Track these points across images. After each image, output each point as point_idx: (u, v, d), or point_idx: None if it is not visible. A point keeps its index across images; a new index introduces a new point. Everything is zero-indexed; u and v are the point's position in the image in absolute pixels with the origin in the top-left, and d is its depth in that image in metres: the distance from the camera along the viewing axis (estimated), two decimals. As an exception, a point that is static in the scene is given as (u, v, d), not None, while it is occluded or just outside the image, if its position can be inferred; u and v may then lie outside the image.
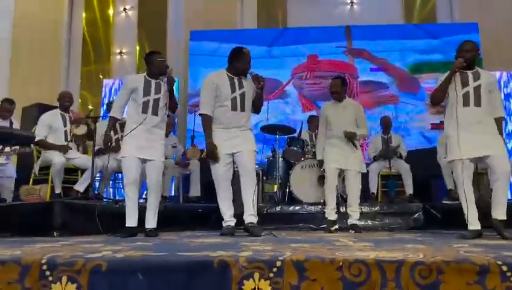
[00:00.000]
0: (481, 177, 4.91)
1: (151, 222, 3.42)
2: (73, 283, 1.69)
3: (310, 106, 7.57)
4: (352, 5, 8.61)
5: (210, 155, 3.42)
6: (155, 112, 3.42)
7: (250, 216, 3.37)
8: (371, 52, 7.68)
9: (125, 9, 8.82)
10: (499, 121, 3.22)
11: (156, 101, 3.43)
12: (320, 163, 4.35)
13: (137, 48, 8.65)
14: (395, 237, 3.40)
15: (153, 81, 3.47)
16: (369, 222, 4.85)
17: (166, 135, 5.46)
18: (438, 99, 3.32)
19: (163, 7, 8.67)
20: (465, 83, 3.20)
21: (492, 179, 3.12)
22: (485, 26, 7.70)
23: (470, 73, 3.23)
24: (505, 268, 1.61)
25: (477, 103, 3.14)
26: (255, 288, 1.66)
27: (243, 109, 3.48)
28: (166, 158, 5.13)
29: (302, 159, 5.33)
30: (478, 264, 1.63)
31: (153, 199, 3.44)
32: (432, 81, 7.10)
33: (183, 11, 8.44)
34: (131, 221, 3.35)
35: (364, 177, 5.71)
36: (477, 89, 3.16)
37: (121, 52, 8.70)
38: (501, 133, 3.20)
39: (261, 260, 1.71)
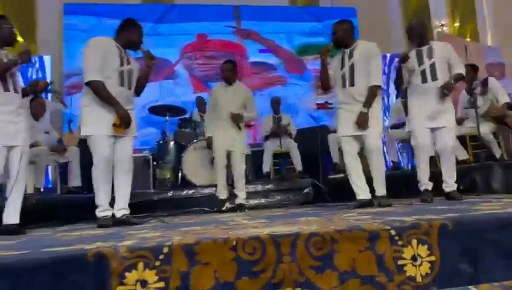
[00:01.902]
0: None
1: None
2: None
3: (201, 86, 7.34)
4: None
5: (125, 119, 2.89)
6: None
7: (122, 210, 3.00)
8: (260, 33, 7.71)
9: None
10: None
11: None
12: (209, 140, 4.34)
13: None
14: (288, 212, 3.43)
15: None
16: (262, 200, 4.88)
17: (37, 119, 4.83)
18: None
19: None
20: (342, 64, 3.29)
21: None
22: (361, 11, 8.25)
23: (347, 53, 3.26)
24: (393, 232, 1.64)
25: (351, 83, 3.20)
26: (138, 280, 1.45)
27: (129, 86, 3.08)
28: (36, 145, 4.55)
29: (195, 140, 5.13)
30: (368, 230, 1.64)
31: None
32: (317, 62, 7.39)
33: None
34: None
35: (259, 156, 5.79)
36: (351, 68, 3.21)
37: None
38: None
39: (145, 248, 1.50)
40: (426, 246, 1.65)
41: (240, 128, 4.20)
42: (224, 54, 7.49)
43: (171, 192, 4.78)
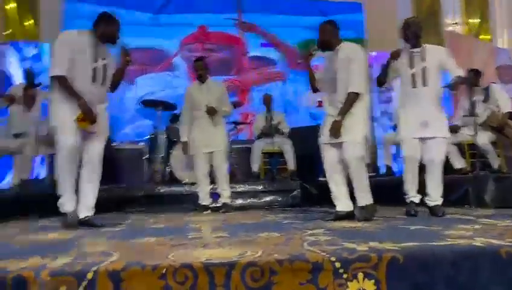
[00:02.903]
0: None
1: None
2: None
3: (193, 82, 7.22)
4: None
5: (89, 114, 2.79)
6: None
7: (88, 210, 2.90)
8: (262, 26, 7.54)
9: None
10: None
11: None
12: (185, 146, 4.28)
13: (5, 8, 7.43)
14: (264, 219, 3.34)
15: None
16: (249, 200, 4.82)
17: (28, 109, 4.79)
18: None
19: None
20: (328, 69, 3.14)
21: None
22: (369, 6, 8.01)
23: (332, 56, 3.09)
24: (338, 265, 1.54)
25: (333, 89, 3.03)
26: (57, 308, 1.38)
27: (103, 83, 2.99)
28: (25, 136, 4.53)
29: (185, 137, 5.04)
30: (311, 261, 1.54)
31: None
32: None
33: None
34: None
35: (246, 154, 5.70)
36: (334, 72, 3.03)
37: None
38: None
39: (68, 273, 1.43)
40: (373, 280, 1.55)
41: (215, 123, 4.15)
42: (224, 47, 7.38)
43: (158, 188, 4.74)
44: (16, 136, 4.53)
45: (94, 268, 1.45)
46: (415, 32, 3.23)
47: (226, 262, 1.51)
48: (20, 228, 3.01)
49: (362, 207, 2.98)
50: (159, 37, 7.18)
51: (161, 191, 4.69)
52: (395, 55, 3.21)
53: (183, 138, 4.29)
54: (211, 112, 4.10)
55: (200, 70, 4.23)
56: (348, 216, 3.00)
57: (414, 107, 3.19)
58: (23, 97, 4.66)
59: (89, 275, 1.43)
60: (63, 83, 2.80)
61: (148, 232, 2.49)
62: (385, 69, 3.30)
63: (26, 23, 7.33)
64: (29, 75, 4.96)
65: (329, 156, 3.05)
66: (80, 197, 2.90)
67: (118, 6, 7.11)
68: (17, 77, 6.35)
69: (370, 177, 5.15)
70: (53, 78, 2.82)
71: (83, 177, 2.92)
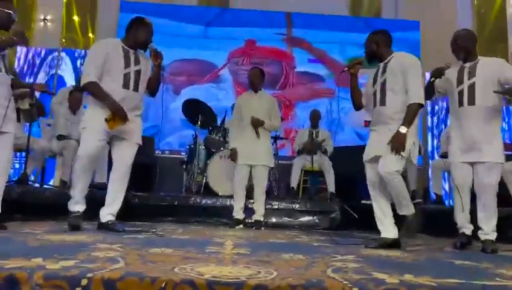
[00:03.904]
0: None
1: None
2: None
3: (244, 92, 7.20)
4: (298, -8, 8.28)
5: (119, 113, 2.76)
6: None
7: (108, 215, 2.89)
8: (311, 42, 7.40)
9: (52, -28, 7.99)
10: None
11: None
12: (233, 151, 4.12)
13: (64, 15, 7.87)
14: (294, 240, 3.14)
15: None
16: (284, 218, 4.60)
17: (74, 112, 4.92)
18: None
19: (96, -28, 7.95)
20: (374, 81, 2.91)
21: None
22: (426, 25, 7.66)
23: (381, 67, 2.84)
24: (360, 296, 1.33)
25: (382, 102, 2.76)
26: (48, 313, 1.28)
27: (136, 89, 2.95)
28: (68, 138, 4.65)
29: (222, 148, 4.97)
30: (328, 288, 1.34)
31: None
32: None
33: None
34: None
35: (287, 170, 5.51)
36: (383, 84, 2.78)
37: (44, 19, 7.89)
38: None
39: (62, 277, 1.33)
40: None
41: (258, 135, 4.01)
42: (272, 61, 7.31)
43: (193, 198, 4.66)
44: (60, 138, 4.65)
45: (90, 275, 1.34)
46: (463, 46, 2.93)
47: (232, 282, 1.35)
48: (46, 227, 3.01)
49: (404, 219, 2.70)
50: (208, 49, 7.26)
51: (196, 201, 4.60)
52: (437, 74, 2.94)
53: (232, 145, 4.16)
54: (255, 123, 4.00)
55: (254, 78, 4.13)
56: (394, 244, 2.70)
57: (463, 129, 2.87)
58: (68, 102, 4.79)
59: (84, 282, 1.32)
60: (93, 87, 2.82)
61: (168, 243, 2.38)
62: (427, 88, 3.01)
63: (85, 35, 7.71)
64: (78, 80, 5.12)
65: (372, 176, 2.80)
66: (106, 201, 2.88)
67: (171, 19, 7.33)
68: (70, 84, 6.61)
69: (418, 203, 4.84)
70: (86, 86, 2.86)
71: (111, 183, 2.91)
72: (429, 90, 3.02)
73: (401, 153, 2.59)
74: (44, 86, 4.18)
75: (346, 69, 3.00)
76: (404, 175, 4.74)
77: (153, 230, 2.86)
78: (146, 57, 3.08)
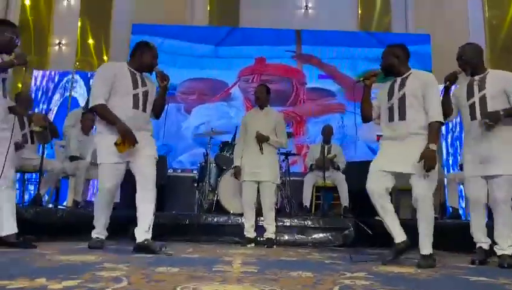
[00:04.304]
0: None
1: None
2: None
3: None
4: (307, 9, 8.36)
5: (128, 136, 2.77)
6: None
7: (143, 234, 2.84)
8: (321, 58, 7.41)
9: (67, -4, 8.24)
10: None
11: None
12: (237, 169, 4.13)
13: (79, 39, 8.08)
14: (305, 257, 3.08)
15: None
16: (297, 236, 4.53)
17: (86, 133, 5.00)
18: None
19: (109, -3, 8.18)
20: (390, 95, 2.86)
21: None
22: (437, 38, 7.61)
23: (398, 82, 2.82)
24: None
25: (401, 116, 2.72)
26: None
27: (144, 109, 2.98)
28: (80, 158, 4.71)
29: (233, 166, 4.94)
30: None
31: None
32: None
33: (130, 4, 7.95)
34: None
35: (300, 187, 5.45)
36: (402, 99, 2.74)
37: (59, 43, 8.11)
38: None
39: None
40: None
41: (262, 151, 3.99)
42: (282, 78, 7.34)
43: (204, 216, 4.63)
44: (72, 159, 4.71)
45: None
46: (469, 61, 2.89)
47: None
48: (57, 248, 3.02)
49: (423, 256, 2.61)
50: (218, 68, 7.33)
51: (207, 220, 4.56)
52: (452, 78, 2.85)
53: (236, 162, 4.17)
54: (260, 138, 3.99)
55: (260, 94, 4.14)
56: (408, 247, 2.67)
57: (476, 142, 2.81)
58: (80, 123, 4.87)
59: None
60: (102, 110, 2.84)
61: (174, 261, 2.36)
62: (444, 97, 2.96)
63: (100, 58, 7.90)
64: (88, 102, 5.21)
65: (380, 184, 2.71)
66: (138, 220, 2.87)
67: (182, 39, 7.45)
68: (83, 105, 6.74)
69: (434, 218, 4.71)
70: (94, 109, 2.88)
71: (138, 200, 2.89)
72: (447, 100, 2.94)
73: (429, 173, 2.58)
74: (42, 119, 4.25)
75: (362, 79, 2.95)
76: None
77: (163, 249, 2.82)
78: (151, 80, 3.13)
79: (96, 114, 2.92)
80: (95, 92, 2.88)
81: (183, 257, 2.71)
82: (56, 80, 7.27)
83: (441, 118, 2.67)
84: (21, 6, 8.10)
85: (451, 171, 6.56)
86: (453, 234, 3.97)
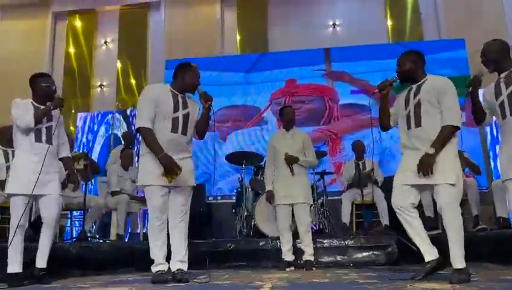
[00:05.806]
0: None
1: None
2: None
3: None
4: (334, 27, 8.36)
5: (169, 168, 2.76)
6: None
7: (177, 263, 2.89)
8: (351, 74, 7.33)
9: (106, 42, 8.77)
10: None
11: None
12: (269, 194, 4.13)
13: (119, 79, 8.54)
14: (340, 278, 3.00)
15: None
16: (338, 257, 4.41)
17: (126, 168, 5.21)
18: None
19: (143, 37, 8.61)
20: (406, 102, 2.80)
21: None
22: (472, 42, 7.33)
23: (414, 89, 2.76)
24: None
25: (417, 124, 2.66)
26: None
27: (184, 133, 2.96)
28: (121, 193, 4.91)
29: (268, 189, 4.95)
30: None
31: None
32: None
33: (163, 41, 8.34)
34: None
35: (338, 206, 5.34)
36: (417, 106, 2.68)
37: (101, 85, 8.61)
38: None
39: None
40: None
41: (293, 173, 3.99)
42: (314, 98, 7.32)
43: (242, 242, 4.64)
44: (113, 194, 4.92)
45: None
46: (492, 59, 2.79)
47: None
48: (98, 281, 3.13)
49: (458, 269, 2.47)
50: (250, 94, 7.45)
51: (245, 246, 4.56)
52: (475, 82, 2.77)
53: (268, 187, 4.17)
54: (289, 160, 3.99)
55: (287, 116, 4.16)
56: (439, 265, 2.57)
57: (508, 142, 2.67)
58: (120, 159, 5.10)
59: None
60: (147, 134, 2.85)
61: (203, 289, 2.38)
62: (473, 103, 2.85)
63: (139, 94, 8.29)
64: (124, 138, 5.50)
65: (405, 200, 2.65)
66: (172, 248, 2.92)
67: (213, 69, 7.66)
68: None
69: (483, 229, 4.44)
70: (138, 130, 2.91)
71: (171, 230, 2.93)
72: (475, 108, 2.84)
73: (452, 181, 2.49)
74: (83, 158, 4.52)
75: (377, 90, 2.91)
76: (464, 199, 4.45)
77: (197, 280, 2.82)
78: (194, 101, 3.12)
79: (140, 135, 2.93)
80: (141, 114, 2.89)
81: (214, 284, 2.71)
82: (99, 119, 7.70)
83: (454, 122, 2.56)
84: (65, 53, 8.74)
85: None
86: (503, 246, 3.73)
